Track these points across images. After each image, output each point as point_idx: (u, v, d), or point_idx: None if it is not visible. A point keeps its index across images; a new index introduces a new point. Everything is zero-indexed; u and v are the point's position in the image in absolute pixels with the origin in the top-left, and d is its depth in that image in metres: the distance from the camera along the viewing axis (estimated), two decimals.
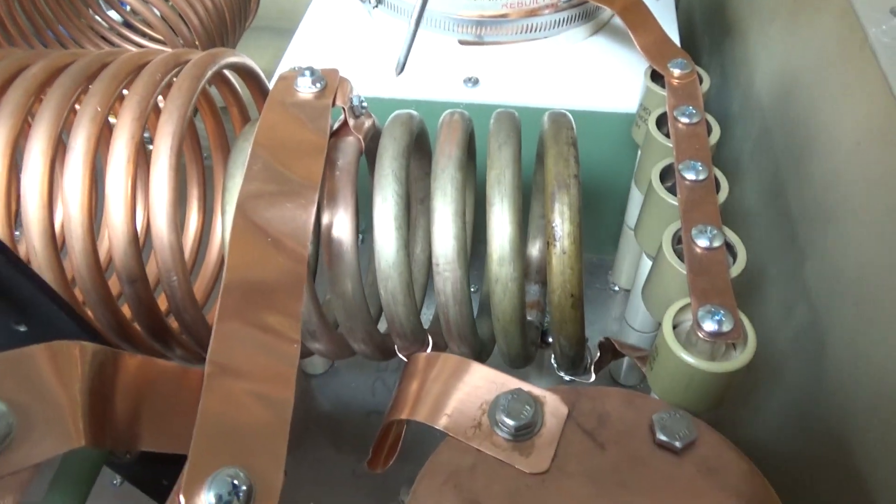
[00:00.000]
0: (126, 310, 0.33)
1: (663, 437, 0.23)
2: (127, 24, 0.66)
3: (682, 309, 0.28)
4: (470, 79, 0.44)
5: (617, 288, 0.51)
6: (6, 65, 0.32)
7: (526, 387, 0.24)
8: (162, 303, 0.34)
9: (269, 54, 0.78)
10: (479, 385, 0.25)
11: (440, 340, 0.35)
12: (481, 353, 0.34)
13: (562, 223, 0.29)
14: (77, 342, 0.20)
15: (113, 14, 0.66)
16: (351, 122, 0.32)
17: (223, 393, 0.22)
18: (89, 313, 0.32)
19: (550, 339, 0.38)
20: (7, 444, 0.17)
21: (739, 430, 0.28)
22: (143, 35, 0.65)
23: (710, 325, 0.26)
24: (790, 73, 0.35)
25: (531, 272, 0.42)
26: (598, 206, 0.48)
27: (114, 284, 0.32)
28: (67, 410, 0.19)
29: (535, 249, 0.41)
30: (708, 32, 0.54)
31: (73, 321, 0.24)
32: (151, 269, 0.35)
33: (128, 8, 0.66)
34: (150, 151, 0.30)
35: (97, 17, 0.65)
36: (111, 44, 0.64)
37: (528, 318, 0.40)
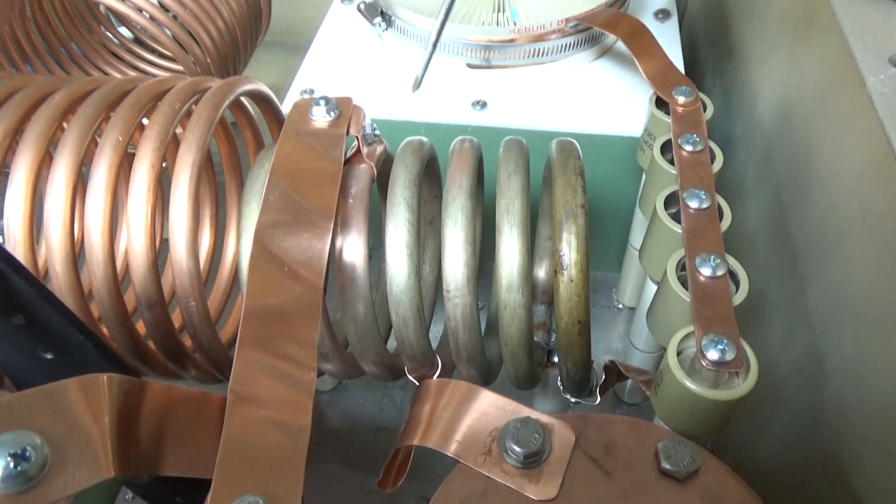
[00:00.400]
0: (140, 326, 0.34)
1: (668, 466, 0.23)
2: (137, 41, 0.67)
3: (686, 336, 0.28)
4: (478, 102, 0.45)
5: (621, 306, 0.52)
6: (30, 93, 0.33)
7: (534, 414, 0.25)
8: (176, 319, 0.35)
9: (278, 70, 0.79)
10: (488, 412, 0.26)
11: (448, 361, 0.36)
12: (489, 374, 0.35)
13: (569, 252, 0.30)
14: (105, 374, 0.21)
15: (124, 31, 0.67)
16: (364, 150, 0.33)
17: (244, 421, 0.23)
18: (104, 330, 0.33)
19: (556, 359, 0.39)
20: (44, 476, 0.18)
21: (741, 453, 0.29)
22: (154, 52, 0.66)
23: (713, 354, 0.26)
24: (791, 102, 0.36)
25: (537, 293, 0.42)
26: (604, 226, 0.49)
27: (128, 299, 0.33)
28: (98, 442, 0.19)
29: (541, 271, 0.42)
30: (711, 53, 0.54)
31: (98, 350, 0.24)
32: (166, 284, 0.36)
33: (138, 26, 0.68)
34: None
35: (108, 34, 0.66)
36: (122, 60, 0.65)
37: (535, 338, 0.41)
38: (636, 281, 0.50)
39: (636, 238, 0.46)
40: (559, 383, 0.35)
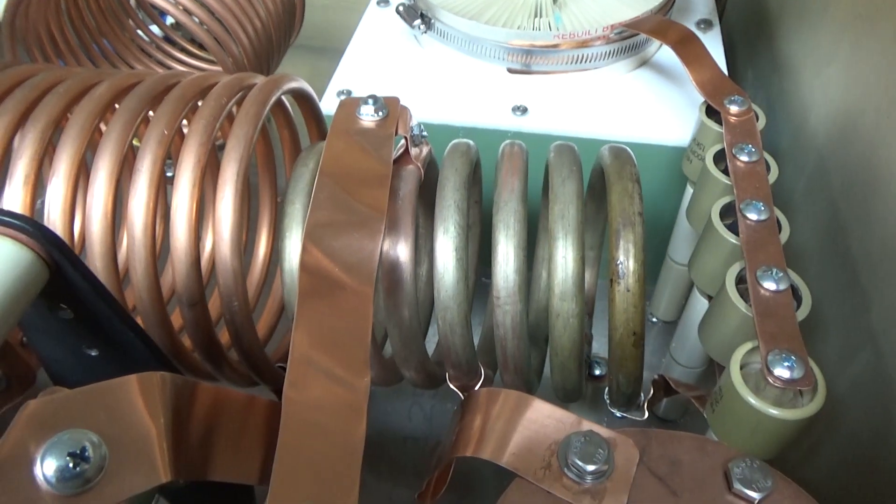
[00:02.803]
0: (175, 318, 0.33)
1: (740, 487, 0.22)
2: (167, 39, 0.67)
3: (748, 352, 0.27)
4: (518, 107, 0.44)
5: (655, 319, 0.51)
6: (72, 84, 0.33)
7: (595, 428, 0.24)
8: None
9: (305, 72, 0.79)
10: (546, 424, 0.25)
11: (488, 371, 0.35)
12: (532, 385, 0.34)
13: (627, 261, 0.29)
14: (159, 373, 0.20)
15: (155, 28, 0.67)
16: (412, 151, 0.32)
17: (300, 426, 0.22)
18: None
19: (598, 372, 0.38)
20: (102, 477, 0.17)
21: (789, 471, 0.27)
22: (184, 50, 0.66)
23: (781, 371, 0.25)
24: (850, 114, 0.35)
25: None
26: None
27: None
28: (155, 443, 0.18)
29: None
30: (751, 65, 0.54)
31: (146, 347, 0.24)
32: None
33: (168, 21, 0.67)
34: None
35: (139, 32, 0.66)
36: (152, 58, 0.65)
37: None
38: (672, 295, 0.49)
39: (676, 250, 0.45)
40: (605, 397, 0.34)
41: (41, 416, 0.17)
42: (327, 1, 0.76)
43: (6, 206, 0.30)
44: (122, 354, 0.24)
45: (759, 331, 0.27)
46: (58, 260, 0.20)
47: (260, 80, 0.35)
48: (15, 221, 0.19)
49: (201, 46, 0.65)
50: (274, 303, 0.42)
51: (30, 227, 0.19)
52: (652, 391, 0.34)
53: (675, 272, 0.46)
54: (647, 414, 0.33)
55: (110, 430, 0.18)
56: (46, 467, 0.16)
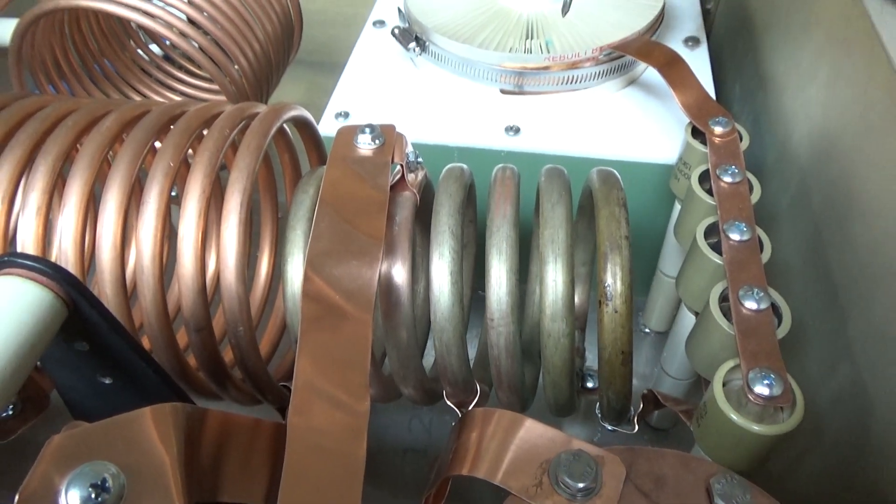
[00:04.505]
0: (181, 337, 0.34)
1: (721, 503, 0.24)
2: (168, 59, 0.68)
3: (730, 369, 0.29)
4: (511, 127, 0.45)
5: (647, 330, 0.53)
6: (80, 116, 0.34)
7: (584, 446, 0.25)
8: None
9: (303, 87, 0.80)
10: (537, 443, 0.26)
11: (484, 387, 0.36)
12: (526, 401, 0.36)
13: (614, 283, 0.30)
14: (170, 404, 0.21)
15: (155, 48, 0.68)
16: (408, 177, 0.34)
17: (305, 449, 0.23)
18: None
19: (590, 385, 0.39)
20: None
21: (774, 485, 0.29)
22: (184, 70, 0.67)
23: (761, 389, 0.27)
24: (829, 135, 0.36)
25: None
26: (633, 251, 0.49)
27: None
28: (169, 471, 0.20)
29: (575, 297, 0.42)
30: (739, 81, 0.55)
31: (157, 375, 0.25)
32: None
33: (169, 42, 0.69)
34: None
35: (140, 52, 0.67)
36: (152, 77, 0.66)
37: None
38: (664, 306, 0.50)
39: (666, 264, 0.47)
40: (597, 411, 0.35)
41: (64, 450, 0.18)
42: (324, 17, 0.77)
43: (20, 236, 0.31)
44: (134, 382, 0.25)
45: (741, 349, 0.28)
46: (75, 298, 0.21)
47: (262, 108, 0.36)
48: (37, 265, 0.20)
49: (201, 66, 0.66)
50: (276, 321, 0.44)
51: (50, 269, 0.20)
52: (642, 405, 0.35)
53: (665, 284, 0.48)
54: (636, 427, 0.34)
55: (128, 460, 0.19)
56: (71, 498, 0.18)
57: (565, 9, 0.47)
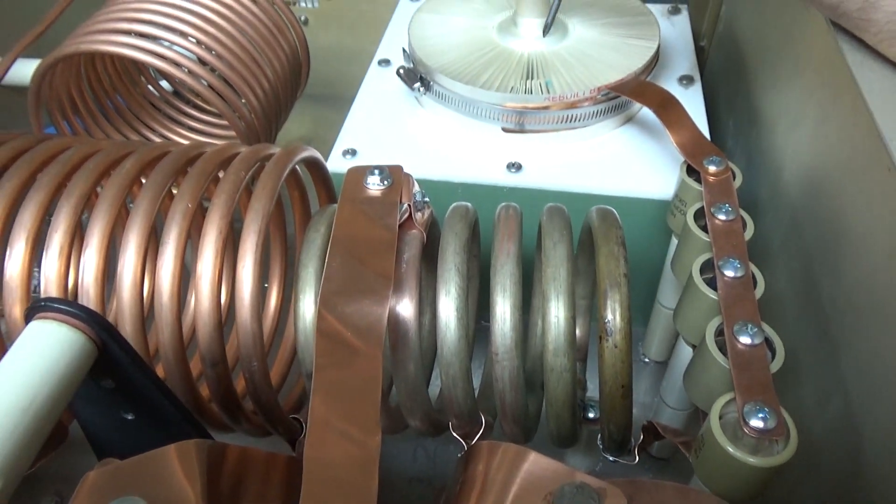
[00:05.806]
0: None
1: None
2: (177, 94, 0.70)
3: (726, 403, 0.30)
4: (513, 164, 0.47)
5: (647, 359, 0.54)
6: (101, 159, 0.36)
7: (587, 479, 0.26)
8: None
9: (309, 121, 0.82)
10: (541, 476, 0.27)
11: (489, 418, 0.37)
12: (530, 431, 0.37)
13: (614, 319, 0.31)
14: (193, 441, 0.23)
15: (165, 84, 0.71)
16: (415, 216, 0.35)
17: (320, 483, 0.24)
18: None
19: (592, 415, 0.40)
20: None
21: None
22: (194, 105, 0.69)
23: (756, 423, 0.28)
24: (818, 175, 0.38)
25: None
26: (632, 282, 0.51)
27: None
28: None
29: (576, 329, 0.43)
30: (732, 117, 0.57)
31: (178, 411, 0.26)
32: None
33: (179, 81, 0.71)
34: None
35: (150, 88, 0.69)
36: (162, 112, 0.68)
37: None
38: (663, 336, 0.51)
39: (664, 295, 0.48)
40: (599, 443, 0.36)
41: (98, 486, 0.19)
42: (329, 53, 0.79)
43: (44, 275, 0.33)
44: (155, 417, 0.26)
45: (736, 383, 0.30)
46: (105, 340, 0.22)
47: (275, 150, 0.38)
48: (70, 309, 0.21)
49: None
50: (284, 354, 0.45)
51: (82, 313, 0.22)
52: (642, 436, 0.36)
53: (664, 316, 0.49)
54: (637, 459, 0.35)
55: (155, 494, 0.20)
56: None
57: (546, 29, 0.49)
